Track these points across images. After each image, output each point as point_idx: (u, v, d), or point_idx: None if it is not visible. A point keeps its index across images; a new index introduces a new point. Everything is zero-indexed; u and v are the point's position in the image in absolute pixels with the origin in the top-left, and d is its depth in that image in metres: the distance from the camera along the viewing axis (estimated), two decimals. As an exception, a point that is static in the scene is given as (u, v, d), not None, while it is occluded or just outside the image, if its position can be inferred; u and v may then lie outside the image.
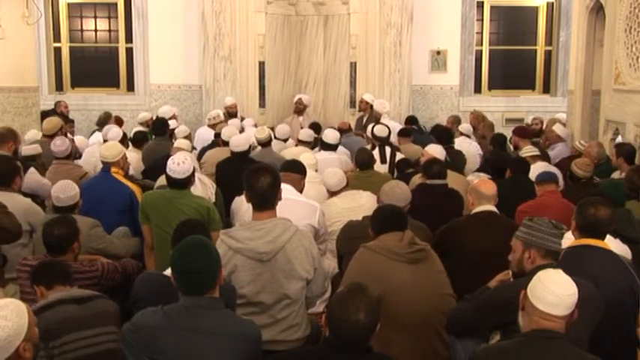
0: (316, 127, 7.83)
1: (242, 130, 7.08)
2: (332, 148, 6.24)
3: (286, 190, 3.34)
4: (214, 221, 4.11)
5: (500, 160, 5.89)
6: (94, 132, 8.36)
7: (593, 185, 5.14)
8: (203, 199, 4.28)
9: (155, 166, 5.77)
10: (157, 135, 7.02)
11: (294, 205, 3.72)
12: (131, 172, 5.53)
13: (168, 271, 2.99)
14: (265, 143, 6.22)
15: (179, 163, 4.08)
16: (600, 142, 6.83)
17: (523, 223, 2.92)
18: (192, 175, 4.21)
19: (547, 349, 2.28)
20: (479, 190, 3.92)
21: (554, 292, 2.29)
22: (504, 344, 2.42)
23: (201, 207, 4.08)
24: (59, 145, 5.42)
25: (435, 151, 5.62)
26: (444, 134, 6.99)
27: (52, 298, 2.79)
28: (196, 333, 2.43)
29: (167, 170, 4.11)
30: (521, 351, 2.30)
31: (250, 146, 5.79)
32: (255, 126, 7.81)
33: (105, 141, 6.70)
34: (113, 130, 6.91)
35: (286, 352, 2.69)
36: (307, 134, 6.87)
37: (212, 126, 8.00)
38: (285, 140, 7.25)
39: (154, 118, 8.22)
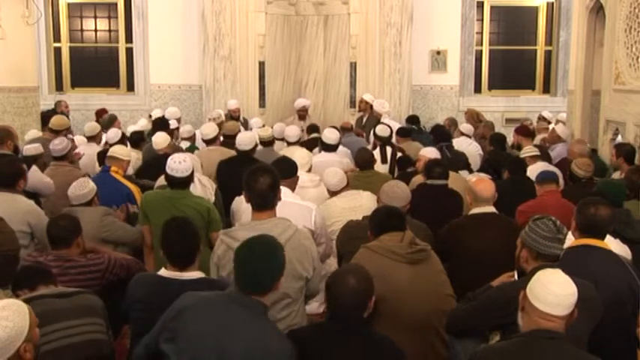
0: (314, 129, 7.82)
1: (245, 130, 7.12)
2: (332, 148, 6.21)
3: (282, 191, 3.33)
4: (215, 222, 4.11)
5: (501, 160, 5.90)
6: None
7: (593, 185, 5.14)
8: (203, 199, 4.28)
9: (149, 165, 5.81)
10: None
11: (290, 207, 3.69)
12: (130, 171, 5.55)
13: (162, 271, 3.01)
14: (268, 142, 6.24)
15: (180, 162, 4.08)
16: (582, 139, 6.86)
17: (529, 222, 2.92)
18: (192, 174, 4.21)
19: (547, 349, 2.28)
20: (475, 191, 3.92)
21: (553, 292, 2.29)
22: (504, 344, 2.42)
23: (201, 207, 4.08)
24: (57, 144, 5.44)
25: (430, 153, 5.66)
26: (441, 133, 7.01)
27: (37, 293, 2.79)
28: (225, 329, 2.35)
29: (167, 169, 4.10)
30: (521, 351, 2.30)
31: (256, 144, 5.79)
32: (264, 126, 7.82)
33: (106, 142, 6.76)
34: (112, 131, 6.94)
35: (296, 329, 2.73)
36: (294, 134, 6.79)
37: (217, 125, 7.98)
38: (283, 139, 7.25)
39: (161, 116, 8.25)
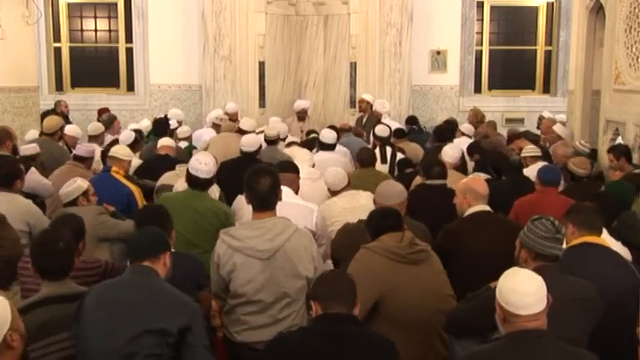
0: (313, 132, 7.84)
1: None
2: (330, 147, 6.23)
3: (283, 192, 3.34)
4: (230, 226, 4.11)
5: (501, 160, 5.90)
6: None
7: (596, 184, 5.11)
8: (222, 203, 4.29)
9: (147, 166, 5.84)
10: (156, 135, 7.03)
11: (291, 208, 3.70)
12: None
13: None
14: (273, 141, 6.29)
15: (204, 163, 4.11)
16: (565, 141, 6.89)
17: (527, 223, 2.92)
18: (214, 176, 4.25)
19: (536, 347, 2.28)
20: (473, 189, 3.91)
21: (527, 293, 2.29)
22: (492, 346, 2.39)
23: (219, 211, 4.09)
24: (86, 146, 5.60)
25: (447, 154, 5.66)
26: (440, 133, 7.09)
27: (42, 295, 2.73)
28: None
29: (190, 170, 4.12)
30: (510, 351, 2.30)
31: (260, 147, 5.80)
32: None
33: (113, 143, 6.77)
34: (125, 133, 6.93)
35: (282, 335, 2.70)
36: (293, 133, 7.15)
37: (217, 126, 7.98)
38: (284, 140, 7.26)
39: (162, 118, 8.26)
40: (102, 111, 9.35)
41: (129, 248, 2.81)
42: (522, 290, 2.30)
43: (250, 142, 5.66)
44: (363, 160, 5.43)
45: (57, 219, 3.54)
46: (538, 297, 2.30)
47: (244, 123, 6.95)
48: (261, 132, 7.23)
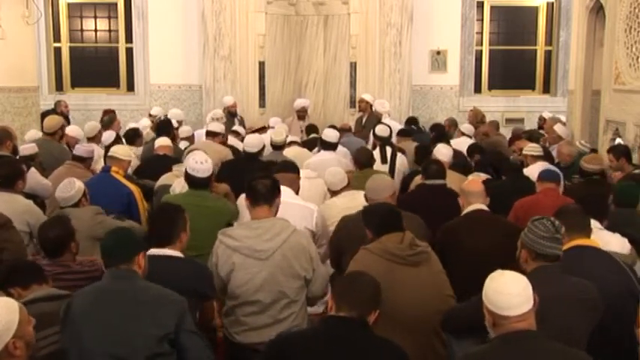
0: (313, 129, 7.83)
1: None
2: (332, 147, 6.21)
3: (283, 193, 3.34)
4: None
5: (501, 160, 5.90)
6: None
7: (597, 183, 5.08)
8: (228, 204, 4.26)
9: (147, 166, 5.85)
10: (160, 136, 7.02)
11: (291, 208, 3.71)
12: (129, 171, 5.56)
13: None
14: (279, 146, 6.15)
15: (202, 162, 4.09)
16: (569, 140, 6.89)
17: (528, 224, 2.92)
18: (212, 175, 4.22)
19: (530, 347, 2.27)
20: (463, 188, 3.97)
21: (512, 293, 2.29)
22: (486, 347, 2.38)
23: (222, 217, 4.07)
24: (86, 146, 5.59)
25: (441, 152, 5.65)
26: (440, 132, 7.07)
27: (30, 297, 2.75)
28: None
29: (189, 170, 4.09)
30: (505, 352, 2.29)
31: (263, 147, 5.77)
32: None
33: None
34: (107, 133, 6.95)
35: (284, 334, 2.70)
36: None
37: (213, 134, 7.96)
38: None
39: (163, 117, 8.27)
40: (107, 112, 9.32)
41: (101, 254, 2.72)
42: (507, 291, 2.29)
43: (253, 143, 5.62)
44: (361, 162, 5.39)
45: (43, 224, 3.52)
46: (524, 297, 2.30)
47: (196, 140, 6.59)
48: (256, 131, 7.23)
